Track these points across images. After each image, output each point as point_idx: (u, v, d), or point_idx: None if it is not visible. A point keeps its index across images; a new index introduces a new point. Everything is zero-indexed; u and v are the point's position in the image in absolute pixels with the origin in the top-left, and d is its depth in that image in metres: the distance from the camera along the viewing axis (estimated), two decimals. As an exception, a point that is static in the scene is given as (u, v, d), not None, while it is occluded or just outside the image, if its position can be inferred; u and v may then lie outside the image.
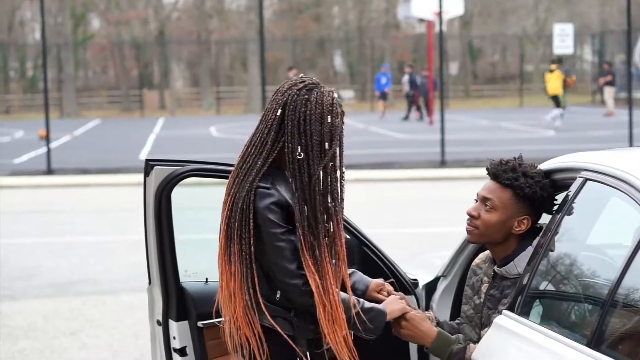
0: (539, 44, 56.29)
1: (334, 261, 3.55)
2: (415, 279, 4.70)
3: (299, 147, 3.52)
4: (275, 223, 3.53)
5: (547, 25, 52.99)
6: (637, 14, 36.11)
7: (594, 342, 3.22)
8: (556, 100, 29.74)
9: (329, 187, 3.55)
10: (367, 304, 3.71)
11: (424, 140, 26.54)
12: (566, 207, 3.69)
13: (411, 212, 15.24)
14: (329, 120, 3.56)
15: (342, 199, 3.64)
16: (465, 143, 25.22)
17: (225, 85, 55.58)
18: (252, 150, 3.59)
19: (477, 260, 4.13)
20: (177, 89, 54.72)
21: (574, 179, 3.73)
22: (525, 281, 3.71)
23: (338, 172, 3.59)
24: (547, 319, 3.61)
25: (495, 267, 3.94)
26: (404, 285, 4.58)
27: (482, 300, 3.96)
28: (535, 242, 3.84)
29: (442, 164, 20.82)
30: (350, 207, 3.96)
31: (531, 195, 3.83)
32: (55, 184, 19.27)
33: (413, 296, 4.61)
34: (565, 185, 3.83)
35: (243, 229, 3.55)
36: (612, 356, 3.14)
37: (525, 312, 3.66)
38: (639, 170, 3.39)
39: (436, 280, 4.73)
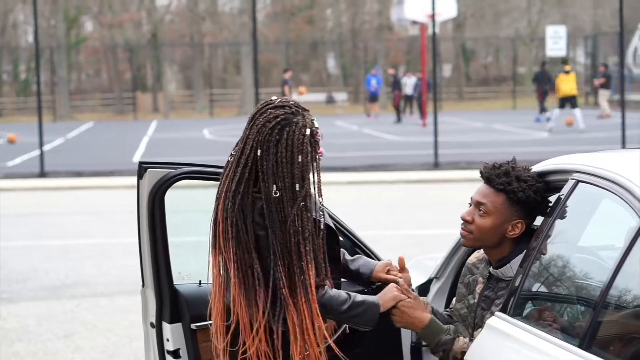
0: (531, 46, 56.37)
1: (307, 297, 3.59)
2: (409, 281, 4.70)
3: (274, 186, 3.56)
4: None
5: (539, 28, 53.08)
6: (629, 16, 36.20)
7: (586, 343, 3.24)
8: (573, 101, 29.42)
9: (300, 228, 3.58)
10: (359, 298, 3.75)
11: (418, 142, 26.56)
12: (558, 209, 3.71)
13: (405, 214, 15.26)
14: (300, 160, 3.57)
15: (320, 230, 3.66)
16: (459, 145, 25.25)
17: (219, 87, 55.58)
18: (233, 187, 3.62)
19: (472, 259, 4.13)
20: (170, 92, 54.71)
21: (566, 180, 3.75)
22: (517, 282, 3.72)
23: (311, 212, 3.61)
24: (539, 321, 3.63)
25: (491, 269, 3.96)
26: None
27: (476, 300, 3.98)
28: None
29: (436, 166, 20.84)
30: (344, 208, 3.99)
31: (525, 199, 3.84)
32: (48, 187, 19.26)
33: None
34: (557, 187, 3.85)
35: (240, 246, 3.62)
36: (603, 357, 3.15)
37: (517, 314, 3.67)
38: (630, 172, 3.41)
39: (429, 282, 4.75)
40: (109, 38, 54.79)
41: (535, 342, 3.45)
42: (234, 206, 3.60)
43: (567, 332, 3.43)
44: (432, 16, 22.36)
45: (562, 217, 3.71)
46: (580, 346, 3.25)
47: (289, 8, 55.31)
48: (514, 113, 42.14)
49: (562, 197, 3.71)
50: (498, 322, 3.69)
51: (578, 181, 3.66)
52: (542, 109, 35.67)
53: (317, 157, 3.64)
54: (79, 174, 20.67)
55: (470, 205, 3.94)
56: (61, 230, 14.15)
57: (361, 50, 54.88)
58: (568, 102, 29.43)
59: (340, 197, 16.41)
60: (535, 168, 4.00)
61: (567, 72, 29.66)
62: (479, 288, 3.99)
